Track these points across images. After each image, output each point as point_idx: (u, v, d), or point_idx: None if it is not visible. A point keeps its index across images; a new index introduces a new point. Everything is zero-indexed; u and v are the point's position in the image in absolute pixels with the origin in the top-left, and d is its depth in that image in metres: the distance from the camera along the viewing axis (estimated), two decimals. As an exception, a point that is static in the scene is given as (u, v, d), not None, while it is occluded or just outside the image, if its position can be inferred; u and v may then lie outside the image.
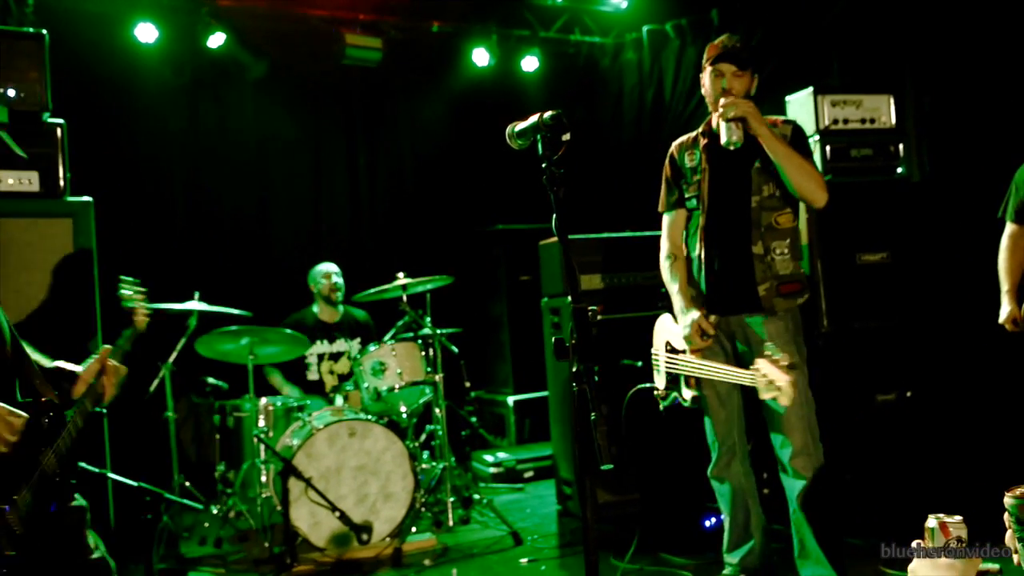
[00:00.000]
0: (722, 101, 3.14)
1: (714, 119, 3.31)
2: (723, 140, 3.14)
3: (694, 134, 3.44)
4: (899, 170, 4.65)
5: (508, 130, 1.92)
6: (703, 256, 3.31)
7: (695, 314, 3.22)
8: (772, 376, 2.73)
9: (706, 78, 3.29)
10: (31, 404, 2.14)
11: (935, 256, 4.55)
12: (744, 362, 3.23)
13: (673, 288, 3.39)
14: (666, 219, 3.53)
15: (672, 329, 3.39)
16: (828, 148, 4.49)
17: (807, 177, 3.13)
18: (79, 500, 2.23)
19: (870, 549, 3.75)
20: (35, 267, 3.48)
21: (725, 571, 3.46)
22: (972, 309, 4.58)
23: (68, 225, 3.57)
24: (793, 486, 3.15)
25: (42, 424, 2.10)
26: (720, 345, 3.33)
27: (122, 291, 2.75)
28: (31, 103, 3.57)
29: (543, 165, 1.77)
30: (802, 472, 3.12)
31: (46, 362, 2.33)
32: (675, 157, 3.48)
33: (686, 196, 3.40)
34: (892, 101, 4.67)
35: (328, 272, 5.44)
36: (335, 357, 5.36)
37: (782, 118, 3.41)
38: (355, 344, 5.38)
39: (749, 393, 3.26)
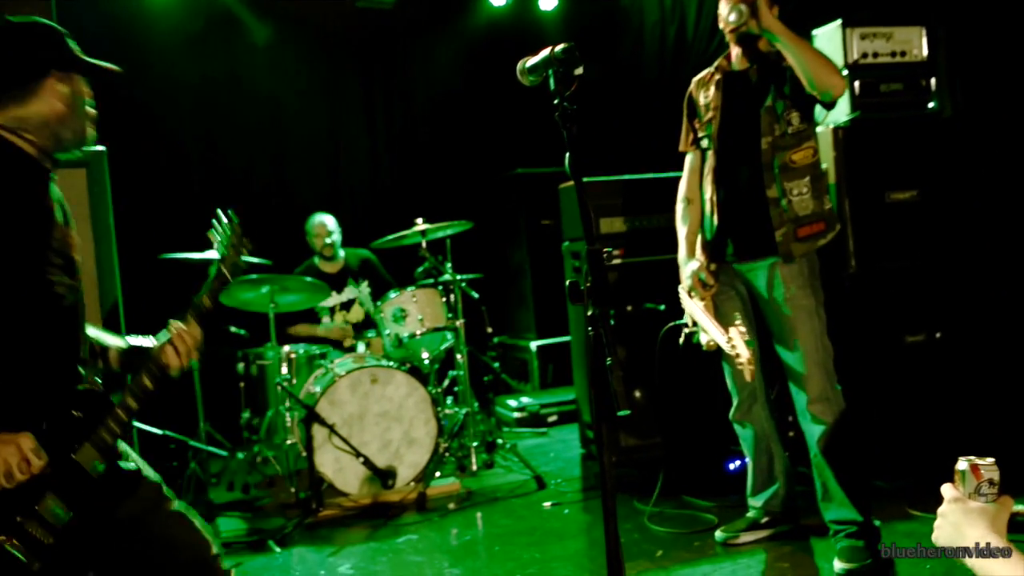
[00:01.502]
0: None
1: (733, 54, 3.25)
2: (729, 19, 3.04)
3: (711, 69, 3.34)
4: (930, 105, 4.49)
5: (519, 66, 1.85)
6: (715, 199, 3.25)
7: (695, 264, 3.23)
8: (739, 349, 2.80)
9: (722, 4, 3.15)
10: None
11: (967, 194, 4.42)
12: (760, 308, 3.23)
13: (681, 233, 3.38)
14: (687, 159, 3.48)
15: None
16: (857, 83, 4.34)
17: (821, 66, 2.92)
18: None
19: (897, 491, 3.73)
20: (51, 219, 3.46)
21: (749, 514, 3.46)
22: (1005, 248, 4.47)
23: (82, 175, 3.52)
24: (812, 431, 3.10)
25: (71, 416, 1.82)
26: (735, 290, 3.29)
27: (214, 231, 2.19)
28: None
29: (555, 101, 1.70)
30: (821, 417, 3.07)
31: (118, 341, 2.06)
32: (692, 94, 3.40)
33: (699, 136, 3.33)
34: (924, 33, 4.49)
35: (321, 226, 5.38)
36: (347, 306, 5.36)
37: None
38: (364, 287, 5.38)
39: (767, 339, 3.27)
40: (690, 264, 3.26)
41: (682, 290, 3.35)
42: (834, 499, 3.10)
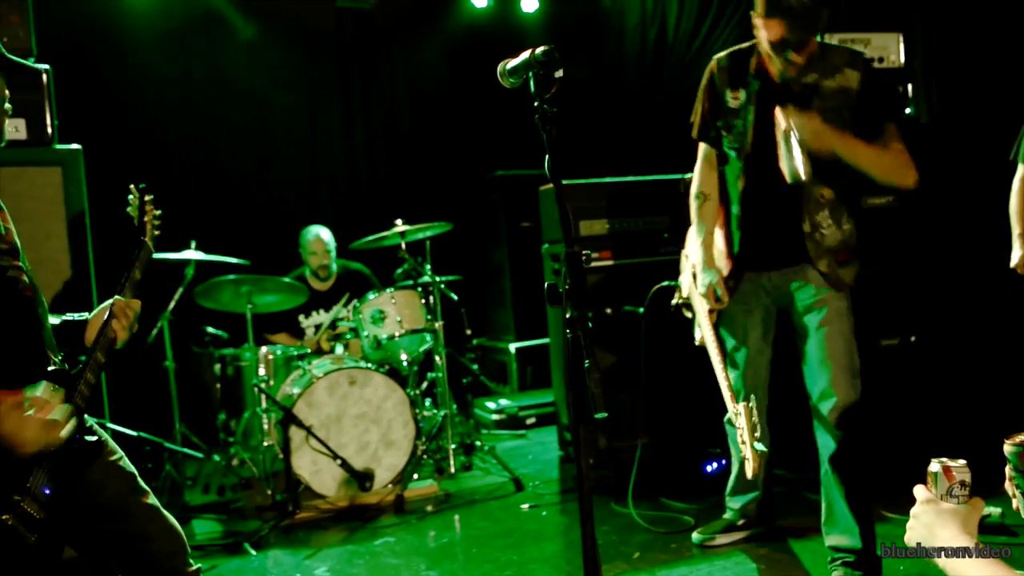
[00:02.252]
0: (787, 124, 2.69)
1: (772, 67, 2.85)
2: (786, 173, 2.75)
3: (741, 63, 2.97)
4: (907, 111, 4.55)
5: (500, 68, 1.84)
6: (741, 218, 3.03)
7: (713, 276, 3.06)
8: (746, 452, 2.81)
9: (763, 33, 2.80)
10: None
11: (943, 199, 4.46)
12: (781, 321, 3.11)
13: (697, 236, 3.15)
14: (701, 149, 3.20)
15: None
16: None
17: (891, 169, 2.79)
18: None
19: (871, 494, 3.75)
20: (25, 217, 3.38)
21: (726, 515, 3.46)
22: (980, 253, 4.52)
23: (58, 174, 3.50)
24: (828, 443, 2.95)
25: None
26: (759, 303, 3.12)
27: (130, 204, 2.28)
28: (15, 48, 3.47)
29: (535, 104, 1.70)
30: (839, 428, 2.91)
31: (53, 320, 2.14)
32: (715, 82, 3.04)
33: (725, 139, 3.03)
34: (901, 39, 4.55)
35: (317, 242, 5.18)
36: (333, 326, 5.07)
37: (846, 50, 2.94)
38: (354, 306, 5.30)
39: (784, 348, 3.17)
40: (707, 274, 3.07)
41: (691, 288, 3.23)
42: (839, 523, 2.95)
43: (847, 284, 2.96)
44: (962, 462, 1.46)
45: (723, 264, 3.10)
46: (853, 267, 2.99)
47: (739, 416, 2.86)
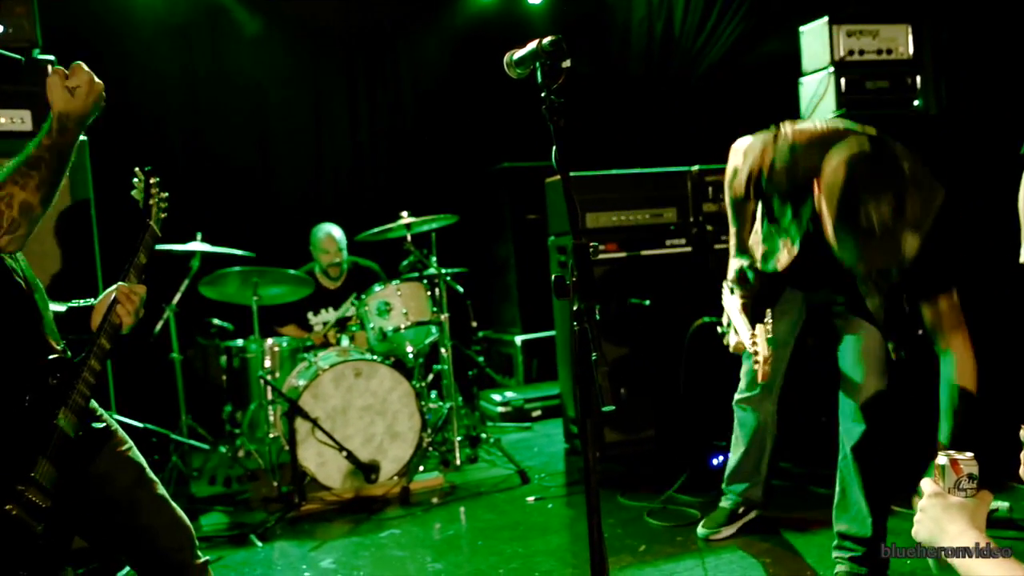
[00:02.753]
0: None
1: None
2: (731, 344, 2.92)
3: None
4: (916, 103, 4.52)
5: (506, 58, 1.83)
6: (799, 258, 2.84)
7: (746, 259, 3.02)
8: (760, 347, 2.71)
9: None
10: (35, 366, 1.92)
11: (950, 193, 4.44)
12: (812, 316, 3.10)
13: (733, 225, 3.08)
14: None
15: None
16: (843, 80, 4.36)
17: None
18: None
19: (890, 489, 3.74)
20: (30, 208, 3.42)
21: (725, 504, 3.47)
22: (987, 247, 4.50)
23: (63, 165, 3.50)
24: (853, 431, 2.93)
25: (49, 384, 1.89)
26: (793, 298, 3.11)
27: (134, 187, 2.29)
28: (20, 39, 3.47)
29: (542, 94, 1.69)
30: (866, 417, 2.92)
31: (59, 307, 2.14)
32: (763, 162, 2.80)
33: (773, 214, 2.89)
34: (910, 31, 4.52)
35: (329, 240, 5.14)
36: (341, 324, 5.01)
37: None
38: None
39: (810, 338, 3.17)
40: (740, 258, 3.05)
41: (725, 284, 3.16)
42: (850, 509, 2.94)
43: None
44: (969, 455, 1.45)
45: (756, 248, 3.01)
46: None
47: (755, 339, 2.78)
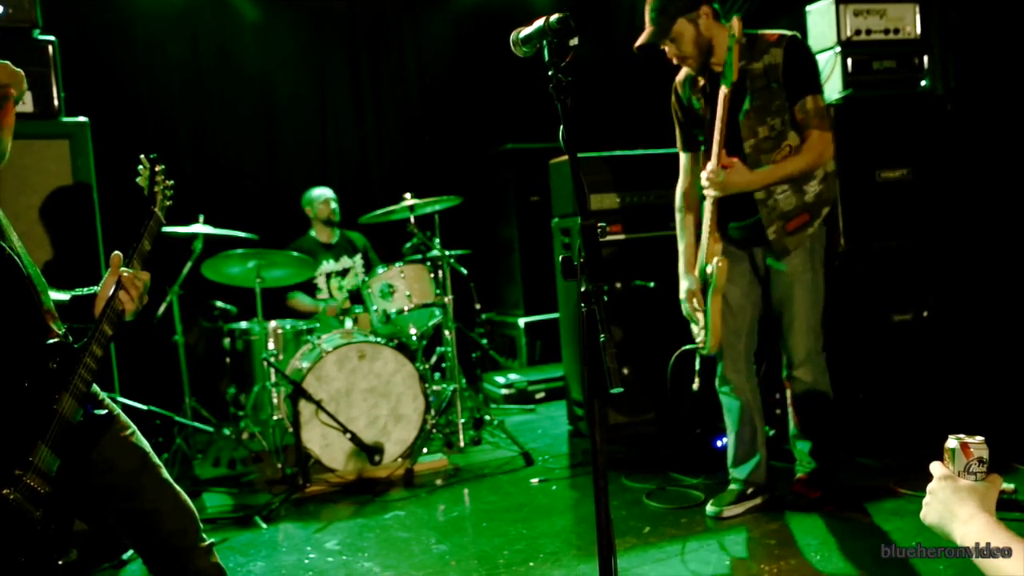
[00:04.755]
0: (703, 180, 3.21)
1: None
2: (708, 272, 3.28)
3: (691, 72, 3.37)
4: (923, 83, 4.47)
5: (512, 36, 1.80)
6: (716, 208, 3.28)
7: (690, 283, 3.40)
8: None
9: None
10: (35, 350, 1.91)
11: (958, 173, 4.41)
12: (764, 284, 3.41)
13: (680, 244, 3.50)
14: (682, 161, 3.54)
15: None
16: (849, 60, 4.31)
17: (811, 168, 3.19)
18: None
19: (884, 470, 3.75)
20: (33, 191, 3.40)
21: (732, 486, 3.50)
22: (995, 228, 4.47)
23: (65, 147, 3.47)
24: (796, 388, 3.40)
25: (49, 369, 1.87)
26: (750, 262, 3.43)
27: (139, 174, 2.25)
28: (20, 19, 3.44)
29: (549, 73, 1.66)
30: (804, 379, 3.36)
31: (62, 295, 2.11)
32: (680, 95, 3.46)
33: (699, 139, 3.40)
34: (917, 10, 4.46)
35: (325, 197, 5.44)
36: (342, 274, 5.36)
37: (774, 33, 3.24)
38: (358, 259, 5.37)
39: (766, 311, 3.43)
40: (685, 280, 3.43)
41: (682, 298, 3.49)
42: (798, 440, 3.48)
43: (789, 250, 3.26)
44: (980, 439, 1.44)
45: (717, 258, 3.30)
46: (800, 235, 3.26)
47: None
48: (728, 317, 3.38)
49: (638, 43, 3.26)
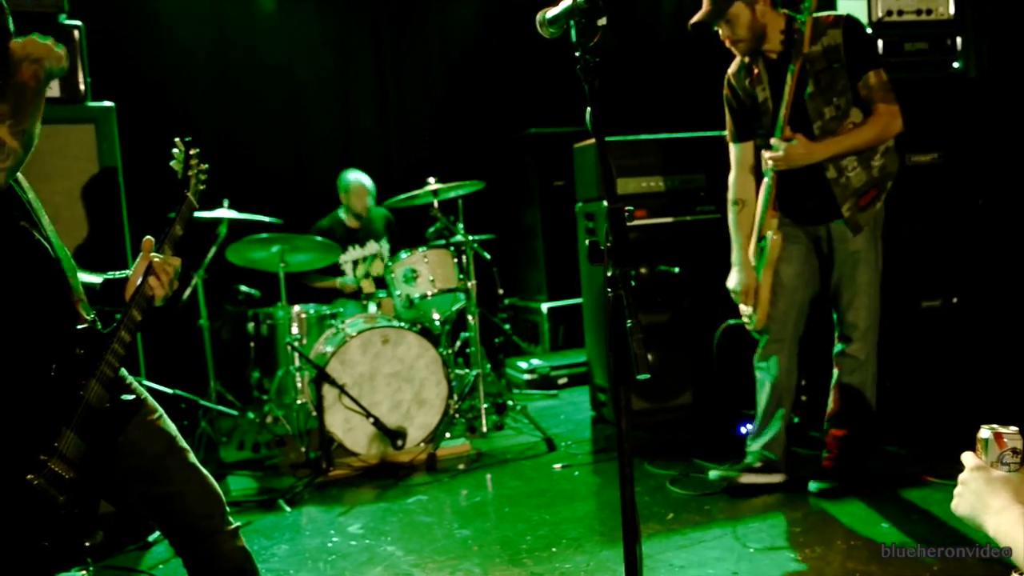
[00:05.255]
0: (766, 158, 3.26)
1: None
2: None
3: (746, 60, 3.38)
4: (955, 65, 4.38)
5: (539, 17, 1.77)
6: (776, 184, 3.33)
7: (745, 278, 3.42)
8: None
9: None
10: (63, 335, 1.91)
11: (989, 157, 4.33)
12: (826, 261, 3.40)
13: (735, 239, 3.49)
14: (733, 154, 3.52)
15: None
16: (880, 42, 4.24)
17: (877, 140, 3.22)
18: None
19: (911, 457, 3.71)
20: (59, 176, 3.41)
21: (747, 459, 3.53)
22: (1027, 212, 4.39)
23: (91, 131, 3.48)
24: (848, 364, 3.38)
25: (76, 354, 1.86)
26: (802, 239, 3.43)
27: (174, 157, 2.21)
28: (46, 4, 3.44)
29: (576, 54, 1.63)
30: (858, 356, 3.35)
31: (94, 278, 2.10)
32: (733, 85, 3.46)
33: (756, 128, 3.42)
34: (951, -10, 4.37)
35: (360, 187, 5.35)
36: (367, 259, 5.37)
37: (830, 15, 3.28)
38: (384, 243, 5.37)
39: (822, 291, 3.46)
40: (740, 275, 3.45)
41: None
42: (835, 422, 3.42)
43: (862, 227, 3.29)
44: (1014, 429, 1.41)
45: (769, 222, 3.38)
46: (871, 210, 3.30)
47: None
48: (778, 296, 3.41)
49: (693, 20, 3.28)
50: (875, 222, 3.33)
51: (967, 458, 1.42)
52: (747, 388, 3.67)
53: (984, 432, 1.42)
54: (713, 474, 3.55)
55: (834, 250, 3.36)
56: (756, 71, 3.35)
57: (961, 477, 1.42)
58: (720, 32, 3.27)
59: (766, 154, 3.25)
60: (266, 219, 4.78)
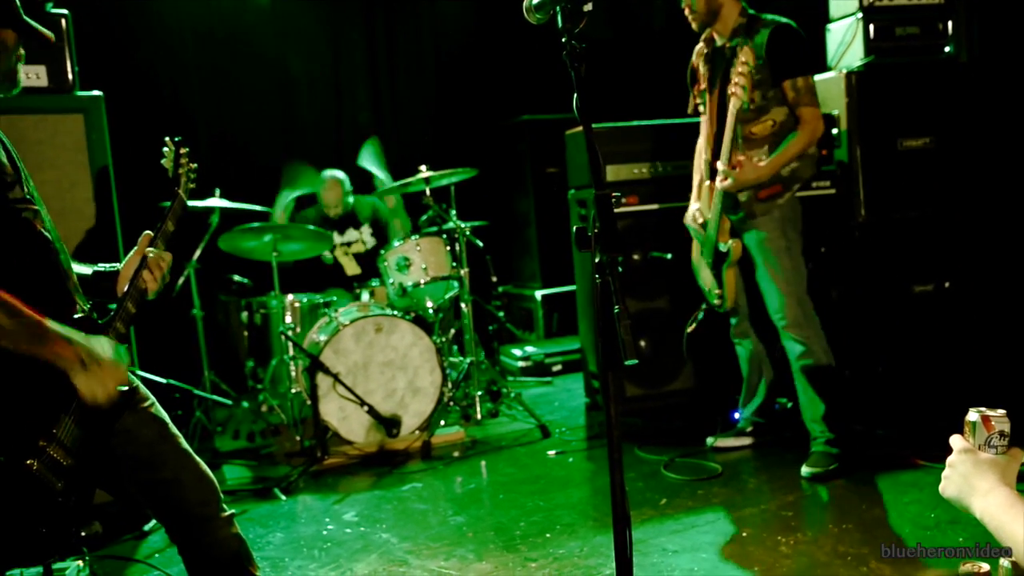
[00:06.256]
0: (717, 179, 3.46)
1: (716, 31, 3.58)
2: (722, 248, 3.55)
3: (703, 42, 3.66)
4: (947, 49, 4.38)
5: (525, 2, 1.76)
6: (706, 161, 3.66)
7: (693, 206, 3.75)
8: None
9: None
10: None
11: (981, 142, 4.33)
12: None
13: (695, 176, 3.82)
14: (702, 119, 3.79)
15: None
16: (871, 26, 4.23)
17: (810, 144, 3.44)
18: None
19: (903, 440, 3.73)
20: (48, 166, 3.40)
21: (739, 424, 3.92)
22: (1018, 198, 4.40)
23: (79, 121, 3.47)
24: (793, 348, 3.54)
25: None
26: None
27: (164, 156, 2.24)
28: (33, -8, 3.43)
29: (563, 39, 1.63)
30: (798, 338, 3.50)
31: (85, 269, 2.13)
32: (693, 63, 3.74)
33: (697, 103, 3.74)
34: (942, -26, 4.36)
35: (333, 182, 5.28)
36: (348, 244, 5.34)
37: (770, 19, 3.45)
38: (365, 230, 5.34)
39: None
40: (693, 204, 3.76)
41: (694, 253, 3.81)
42: (805, 412, 3.57)
43: (756, 215, 3.50)
44: (1001, 412, 1.42)
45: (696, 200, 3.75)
46: (770, 204, 3.49)
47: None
48: (740, 279, 3.68)
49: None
50: (784, 214, 3.50)
51: (955, 441, 1.43)
52: (738, 373, 3.72)
53: (972, 415, 1.42)
54: (709, 441, 3.88)
55: (750, 242, 3.59)
56: (706, 50, 3.63)
57: (949, 460, 1.43)
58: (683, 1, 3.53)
59: (717, 180, 3.44)
60: (259, 208, 4.77)
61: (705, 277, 3.73)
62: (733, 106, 3.33)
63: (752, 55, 3.29)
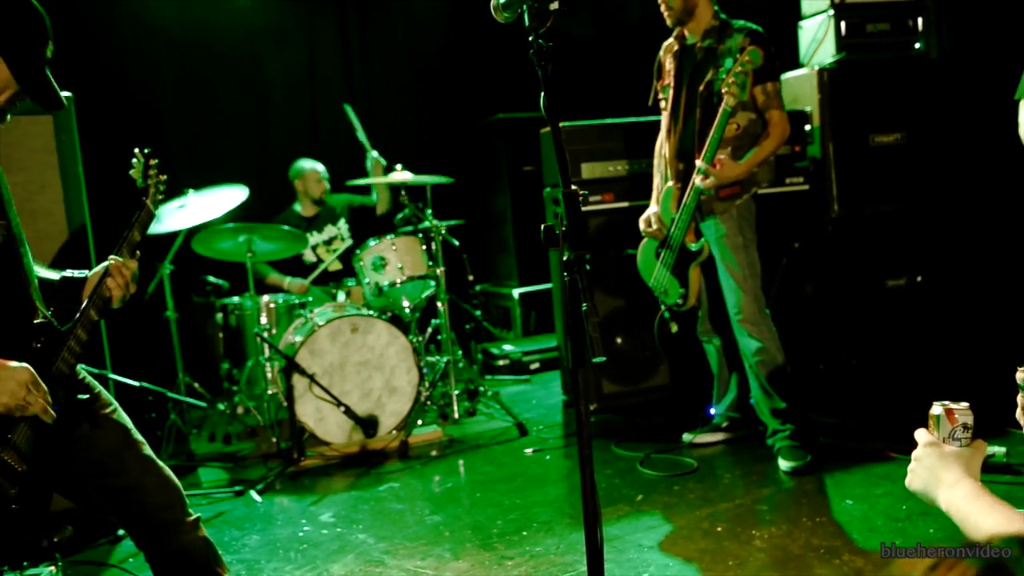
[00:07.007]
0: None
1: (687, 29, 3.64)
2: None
3: (674, 38, 3.69)
4: (917, 46, 4.43)
5: (493, 1, 1.77)
6: (667, 156, 3.74)
7: (653, 209, 3.78)
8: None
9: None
10: (22, 328, 1.92)
11: (952, 137, 4.38)
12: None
13: (655, 179, 3.90)
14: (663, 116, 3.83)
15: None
16: (843, 23, 4.27)
17: (779, 146, 3.52)
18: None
19: (875, 433, 3.77)
20: (16, 168, 3.33)
21: (714, 420, 3.95)
22: (988, 192, 4.45)
23: (49, 123, 3.41)
24: (748, 344, 3.59)
25: (32, 348, 1.88)
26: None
27: (133, 167, 2.24)
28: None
29: (530, 38, 1.63)
30: (752, 334, 3.56)
31: (52, 274, 2.12)
32: (660, 58, 3.80)
33: (659, 98, 3.80)
34: (912, -29, 4.41)
35: (319, 176, 5.36)
36: (328, 242, 5.36)
37: (742, 25, 3.51)
38: (342, 224, 5.34)
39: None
40: (651, 207, 3.80)
41: (642, 255, 3.86)
42: (760, 404, 3.66)
43: (715, 213, 3.56)
44: (964, 405, 1.43)
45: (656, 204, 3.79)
46: (729, 203, 3.55)
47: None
48: (702, 278, 3.75)
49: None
50: (741, 214, 3.57)
51: (920, 435, 1.45)
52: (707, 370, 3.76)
53: (936, 408, 1.44)
54: (686, 437, 3.90)
55: (710, 238, 3.66)
56: (675, 47, 3.67)
57: (915, 453, 1.44)
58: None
59: (698, 178, 3.45)
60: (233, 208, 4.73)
61: (659, 278, 3.74)
62: (726, 103, 3.34)
63: (762, 54, 3.32)
